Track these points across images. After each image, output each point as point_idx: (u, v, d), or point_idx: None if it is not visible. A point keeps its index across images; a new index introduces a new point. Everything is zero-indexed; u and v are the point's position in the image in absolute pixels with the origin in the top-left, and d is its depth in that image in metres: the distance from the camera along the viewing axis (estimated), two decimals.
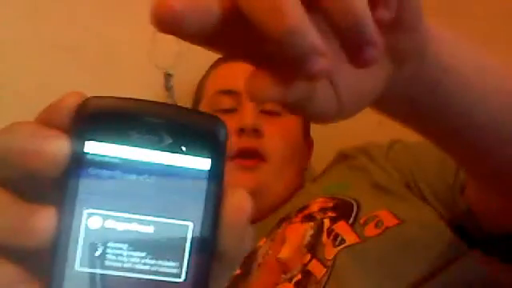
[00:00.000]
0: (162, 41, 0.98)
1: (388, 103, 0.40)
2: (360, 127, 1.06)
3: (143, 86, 1.03)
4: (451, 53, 0.41)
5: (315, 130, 0.98)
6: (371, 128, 1.06)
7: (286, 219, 0.76)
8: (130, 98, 0.26)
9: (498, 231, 0.64)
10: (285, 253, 0.70)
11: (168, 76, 1.02)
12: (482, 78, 0.44)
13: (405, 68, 0.38)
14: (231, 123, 0.83)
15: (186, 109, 0.28)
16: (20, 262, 0.25)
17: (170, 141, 0.26)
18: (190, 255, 0.26)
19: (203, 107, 0.92)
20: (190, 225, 0.26)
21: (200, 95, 0.95)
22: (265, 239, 0.75)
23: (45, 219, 0.24)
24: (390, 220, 0.68)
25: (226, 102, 0.88)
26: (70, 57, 1.03)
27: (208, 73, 0.96)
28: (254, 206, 0.78)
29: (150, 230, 0.26)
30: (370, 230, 0.67)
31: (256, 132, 0.84)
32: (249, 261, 0.72)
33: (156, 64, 1.00)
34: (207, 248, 0.26)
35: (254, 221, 0.78)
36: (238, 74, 0.90)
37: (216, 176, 0.26)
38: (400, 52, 0.36)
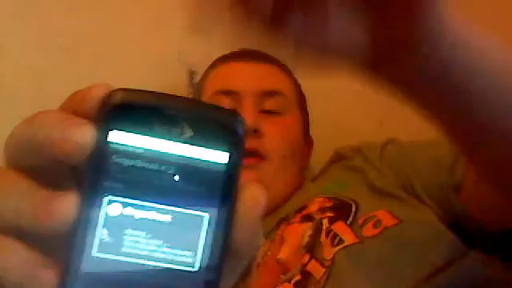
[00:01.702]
0: (190, 39, 1.00)
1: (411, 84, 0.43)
2: (360, 127, 1.07)
3: (168, 83, 1.04)
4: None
5: (315, 129, 0.98)
6: (372, 128, 1.07)
7: (285, 220, 0.76)
8: (155, 92, 0.27)
9: (494, 229, 0.64)
10: (284, 253, 0.70)
11: (192, 73, 1.02)
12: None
13: (419, 52, 0.40)
14: None
15: (208, 104, 0.28)
16: (39, 246, 0.25)
17: (191, 133, 0.27)
18: (204, 246, 0.27)
19: None
20: (206, 216, 0.27)
21: (199, 96, 0.94)
22: (264, 240, 0.75)
23: (66, 204, 0.24)
24: (388, 220, 0.68)
25: (225, 103, 0.87)
26: (95, 49, 1.05)
27: (206, 73, 0.96)
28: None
29: (167, 219, 0.26)
30: (369, 230, 0.67)
31: (256, 132, 0.84)
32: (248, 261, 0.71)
33: (183, 61, 1.01)
34: (221, 239, 0.27)
35: None
36: (237, 74, 0.91)
37: (233, 169, 0.27)
38: (403, 40, 0.39)
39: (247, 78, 0.90)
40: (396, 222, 0.68)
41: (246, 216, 0.27)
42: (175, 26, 1.06)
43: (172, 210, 0.26)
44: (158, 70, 1.05)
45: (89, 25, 1.05)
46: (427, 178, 0.72)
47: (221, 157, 0.27)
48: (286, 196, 0.85)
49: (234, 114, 0.28)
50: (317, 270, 0.65)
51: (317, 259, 0.66)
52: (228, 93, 0.88)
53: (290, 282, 0.66)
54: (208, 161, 0.27)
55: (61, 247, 0.25)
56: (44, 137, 0.25)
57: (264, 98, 0.87)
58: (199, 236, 0.27)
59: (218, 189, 0.27)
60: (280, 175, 0.85)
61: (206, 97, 0.91)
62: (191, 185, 0.27)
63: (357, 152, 0.85)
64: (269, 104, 0.88)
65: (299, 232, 0.71)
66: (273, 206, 0.82)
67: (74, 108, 0.27)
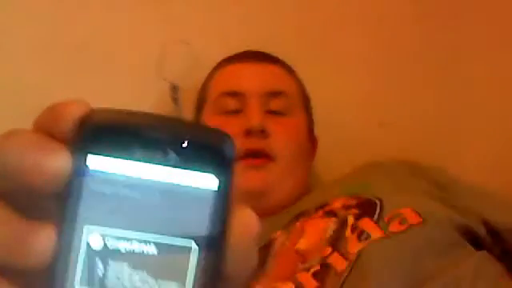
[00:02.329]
0: (172, 53, 1.00)
1: None
2: (360, 128, 1.08)
3: (150, 97, 1.04)
4: None
5: (318, 130, 1.00)
6: (372, 128, 1.08)
7: (305, 214, 0.77)
8: (136, 111, 0.25)
9: None
10: (303, 244, 0.72)
11: (174, 88, 1.02)
12: None
13: None
14: (237, 125, 0.85)
15: (194, 123, 0.26)
16: (16, 280, 0.23)
17: (176, 157, 0.25)
18: (194, 277, 0.25)
19: (207, 109, 0.93)
20: (195, 245, 0.25)
21: (204, 97, 0.95)
22: (280, 231, 0.76)
23: (44, 239, 0.23)
24: (413, 218, 0.71)
25: (231, 104, 0.89)
26: (73, 63, 1.02)
27: (212, 74, 0.97)
28: (263, 204, 0.80)
29: (152, 249, 0.25)
30: (395, 227, 0.70)
31: (263, 132, 0.85)
32: (265, 251, 0.73)
33: (164, 75, 1.00)
34: (211, 269, 0.25)
35: (265, 216, 0.80)
36: (242, 75, 0.93)
37: (223, 194, 0.25)
38: None
39: (252, 78, 0.91)
40: (420, 220, 0.70)
41: (239, 244, 0.25)
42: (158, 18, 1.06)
43: (158, 241, 0.25)
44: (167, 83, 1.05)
45: (94, 26, 1.04)
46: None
47: (209, 181, 0.25)
48: (294, 195, 0.87)
49: (222, 134, 0.26)
50: (339, 262, 0.67)
51: (340, 253, 0.68)
52: (233, 94, 0.89)
53: (308, 271, 0.67)
54: (195, 186, 0.25)
55: (42, 281, 0.23)
56: (15, 163, 0.23)
57: (269, 98, 0.89)
58: (187, 267, 0.25)
59: (207, 216, 0.25)
60: (288, 175, 0.87)
61: (212, 98, 0.92)
62: (178, 212, 0.25)
63: (403, 163, 0.89)
64: (274, 104, 0.89)
65: (322, 226, 0.73)
66: (281, 204, 0.84)
67: (49, 127, 0.24)
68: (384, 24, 1.11)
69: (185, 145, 0.25)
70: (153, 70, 1.01)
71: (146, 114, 0.26)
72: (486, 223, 0.75)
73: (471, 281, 0.64)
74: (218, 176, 0.25)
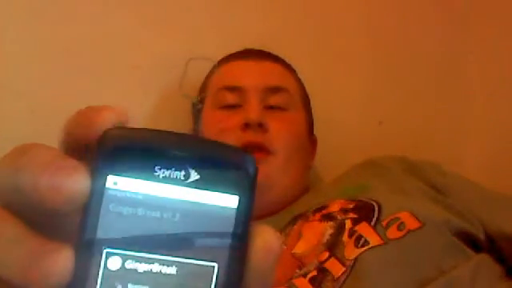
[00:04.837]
0: (194, 69, 1.00)
1: None
2: (361, 127, 1.08)
3: (171, 114, 1.04)
4: None
5: (317, 129, 1.00)
6: (372, 128, 1.09)
7: (302, 217, 0.77)
8: (156, 130, 0.25)
9: None
10: (300, 248, 0.71)
11: (196, 105, 1.02)
12: None
13: None
14: (236, 119, 0.85)
15: (215, 142, 0.26)
16: None
17: (197, 176, 0.25)
18: None
19: (207, 103, 0.93)
20: (215, 266, 0.25)
21: (204, 92, 0.96)
22: (278, 234, 0.75)
23: (61, 260, 0.22)
24: (411, 222, 0.70)
25: (230, 98, 0.89)
26: (93, 79, 1.02)
27: (212, 71, 0.97)
28: (263, 200, 0.79)
29: (172, 271, 0.24)
30: (393, 233, 0.69)
31: (261, 127, 0.85)
32: None
33: (186, 92, 1.00)
34: None
35: (264, 215, 0.80)
36: (242, 71, 0.93)
37: (244, 214, 0.25)
38: None
39: (252, 74, 0.91)
40: (419, 224, 0.70)
41: (259, 265, 0.25)
42: (180, 31, 1.07)
43: (177, 261, 0.24)
44: (162, 72, 1.05)
45: (116, 42, 1.04)
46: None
47: (230, 201, 0.25)
48: (292, 191, 0.87)
49: (243, 152, 0.26)
50: (336, 268, 0.66)
51: (337, 258, 0.67)
52: (233, 88, 0.90)
53: (305, 276, 0.67)
54: (216, 206, 0.25)
55: None
56: (31, 182, 0.22)
57: (269, 93, 0.89)
58: (208, 286, 0.25)
59: (228, 236, 0.25)
60: (286, 170, 0.86)
61: (212, 93, 0.92)
62: (198, 233, 0.25)
63: (399, 160, 0.88)
64: (273, 100, 0.89)
65: (319, 230, 0.72)
66: (279, 200, 0.84)
67: (80, 132, 0.24)
68: (384, 24, 1.11)
69: (206, 163, 0.25)
70: (175, 87, 1.01)
71: (165, 132, 0.25)
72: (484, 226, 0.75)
73: (469, 282, 0.64)
74: (239, 195, 0.25)
